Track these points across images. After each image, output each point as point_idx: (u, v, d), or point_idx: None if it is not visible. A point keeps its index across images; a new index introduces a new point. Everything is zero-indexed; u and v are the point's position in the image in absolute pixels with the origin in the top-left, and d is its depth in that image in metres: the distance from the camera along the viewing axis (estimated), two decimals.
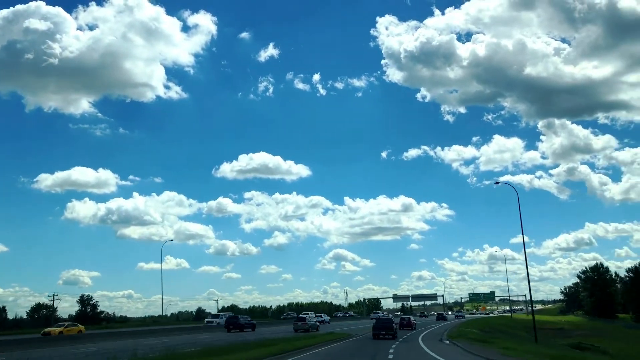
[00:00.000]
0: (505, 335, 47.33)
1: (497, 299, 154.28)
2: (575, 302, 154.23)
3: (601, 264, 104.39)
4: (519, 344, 33.40)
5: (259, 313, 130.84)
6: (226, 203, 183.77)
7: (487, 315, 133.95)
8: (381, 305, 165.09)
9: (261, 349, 24.49)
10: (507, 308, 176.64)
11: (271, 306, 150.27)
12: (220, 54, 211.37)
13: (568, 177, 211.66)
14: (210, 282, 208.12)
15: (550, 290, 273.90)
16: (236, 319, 53.38)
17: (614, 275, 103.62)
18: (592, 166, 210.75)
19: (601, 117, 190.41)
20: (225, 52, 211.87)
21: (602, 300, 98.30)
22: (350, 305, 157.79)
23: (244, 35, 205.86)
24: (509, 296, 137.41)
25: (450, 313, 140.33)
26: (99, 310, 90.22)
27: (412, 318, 63.27)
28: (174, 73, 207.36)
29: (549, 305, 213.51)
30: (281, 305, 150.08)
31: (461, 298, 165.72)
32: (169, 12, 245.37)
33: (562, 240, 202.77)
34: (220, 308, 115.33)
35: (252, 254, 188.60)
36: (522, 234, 48.08)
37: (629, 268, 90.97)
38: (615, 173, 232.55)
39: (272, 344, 27.84)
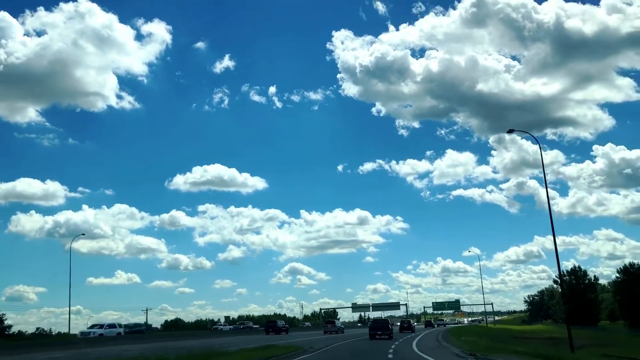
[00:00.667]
0: (527, 346, 36.07)
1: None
2: (541, 311, 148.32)
3: (579, 267, 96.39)
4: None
5: (204, 326, 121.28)
6: (179, 216, 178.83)
7: (460, 325, 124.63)
8: (338, 317, 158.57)
9: None
10: (468, 319, 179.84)
11: (219, 319, 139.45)
12: (175, 64, 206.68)
13: (518, 192, 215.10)
14: (162, 297, 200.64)
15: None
16: (274, 323, 65.17)
17: (592, 279, 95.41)
18: (541, 181, 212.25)
19: (549, 133, 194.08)
20: (180, 62, 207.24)
21: (582, 306, 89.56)
22: (306, 317, 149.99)
23: (200, 45, 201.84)
24: (485, 303, 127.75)
25: (416, 323, 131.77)
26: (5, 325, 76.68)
27: (412, 321, 72.11)
28: (127, 82, 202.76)
29: (506, 316, 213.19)
30: (232, 318, 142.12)
31: (424, 307, 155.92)
32: (122, 20, 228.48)
33: (512, 252, 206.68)
34: (146, 321, 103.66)
35: (206, 268, 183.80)
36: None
37: (619, 268, 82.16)
38: (562, 188, 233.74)
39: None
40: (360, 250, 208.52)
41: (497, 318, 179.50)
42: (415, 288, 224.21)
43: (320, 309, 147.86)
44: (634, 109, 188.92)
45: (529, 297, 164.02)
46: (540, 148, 34.82)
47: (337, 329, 60.39)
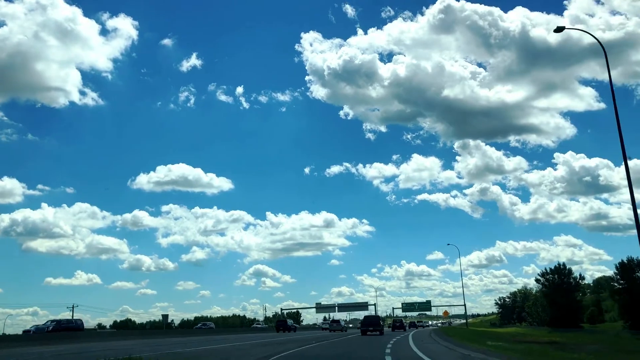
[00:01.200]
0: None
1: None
2: (513, 314, 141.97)
3: (564, 265, 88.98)
4: None
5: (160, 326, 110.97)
6: (142, 216, 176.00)
7: (443, 326, 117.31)
8: (301, 318, 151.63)
9: None
10: (436, 322, 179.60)
11: (172, 319, 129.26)
12: (141, 61, 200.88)
13: (481, 197, 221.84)
14: (123, 299, 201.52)
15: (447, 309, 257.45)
16: (284, 322, 68.83)
17: (578, 277, 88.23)
18: (504, 187, 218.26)
19: (513, 140, 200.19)
20: (146, 59, 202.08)
21: (567, 307, 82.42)
22: (267, 318, 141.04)
23: (166, 42, 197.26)
24: (465, 304, 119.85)
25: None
26: None
27: (403, 321, 80.00)
28: (90, 78, 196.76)
29: (471, 319, 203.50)
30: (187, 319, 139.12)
31: (393, 308, 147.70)
32: (87, 14, 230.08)
33: (474, 257, 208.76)
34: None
35: (169, 270, 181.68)
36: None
37: (619, 263, 74.40)
38: (524, 194, 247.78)
39: None
40: (325, 253, 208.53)
41: (463, 321, 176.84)
42: (380, 291, 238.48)
43: (282, 309, 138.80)
44: (594, 118, 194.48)
45: (500, 299, 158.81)
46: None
47: (341, 328, 65.69)
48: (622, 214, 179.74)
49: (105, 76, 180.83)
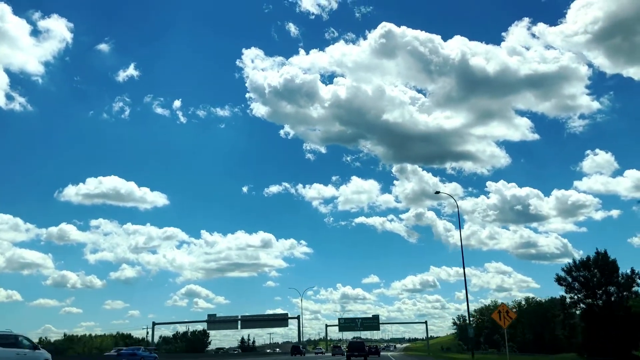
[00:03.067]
0: None
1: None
2: (481, 336, 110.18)
3: (604, 253, 54.94)
4: None
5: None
6: (69, 230, 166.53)
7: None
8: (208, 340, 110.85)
9: None
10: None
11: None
12: (74, 66, 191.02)
13: (417, 222, 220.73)
14: (46, 317, 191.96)
15: (396, 330, 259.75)
16: (298, 347, 74.88)
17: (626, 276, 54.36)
18: (439, 213, 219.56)
19: (449, 167, 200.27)
20: (79, 64, 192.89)
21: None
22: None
23: (102, 47, 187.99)
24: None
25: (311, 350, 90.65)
26: None
27: (379, 346, 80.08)
28: (19, 81, 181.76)
29: (409, 344, 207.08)
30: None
31: (327, 325, 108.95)
32: (17, 12, 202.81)
33: (409, 281, 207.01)
34: None
35: (96, 287, 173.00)
36: None
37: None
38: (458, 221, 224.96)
39: None
40: (261, 274, 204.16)
41: (406, 345, 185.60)
42: (314, 314, 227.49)
43: (188, 328, 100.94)
44: (528, 148, 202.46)
45: (459, 318, 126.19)
46: None
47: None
48: (550, 243, 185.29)
49: (36, 80, 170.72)
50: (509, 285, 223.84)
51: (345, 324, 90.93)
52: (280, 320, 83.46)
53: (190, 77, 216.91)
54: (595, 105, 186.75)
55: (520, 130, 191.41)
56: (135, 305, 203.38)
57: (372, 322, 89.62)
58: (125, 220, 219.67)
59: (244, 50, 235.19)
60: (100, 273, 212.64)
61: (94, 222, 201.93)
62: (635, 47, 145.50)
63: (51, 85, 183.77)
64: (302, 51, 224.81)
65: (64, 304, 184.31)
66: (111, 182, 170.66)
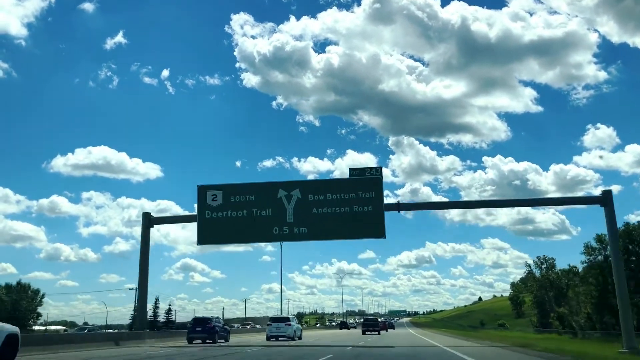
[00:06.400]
0: None
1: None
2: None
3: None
4: None
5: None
6: (61, 202, 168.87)
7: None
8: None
9: None
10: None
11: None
12: (58, 28, 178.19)
13: (412, 198, 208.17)
14: (41, 290, 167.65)
15: (391, 305, 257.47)
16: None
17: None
18: (435, 188, 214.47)
19: (449, 139, 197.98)
20: (63, 26, 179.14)
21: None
22: None
23: (86, 6, 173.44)
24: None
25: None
26: None
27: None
28: (1, 45, 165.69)
29: (416, 318, 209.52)
30: None
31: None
32: None
33: (404, 257, 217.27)
34: None
35: (91, 261, 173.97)
36: None
37: None
38: (455, 196, 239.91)
39: None
40: (257, 249, 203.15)
41: (409, 319, 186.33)
42: (310, 289, 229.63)
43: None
44: (530, 120, 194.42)
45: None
46: None
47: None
48: (548, 219, 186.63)
49: (19, 43, 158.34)
50: (504, 262, 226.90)
51: None
52: None
53: (176, 43, 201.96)
54: (602, 75, 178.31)
55: (524, 101, 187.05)
56: (131, 279, 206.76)
57: None
58: (117, 192, 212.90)
59: (232, 16, 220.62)
60: (94, 246, 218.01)
61: (85, 195, 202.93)
62: None
63: (35, 49, 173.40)
64: (292, 18, 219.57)
65: (60, 277, 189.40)
66: (101, 153, 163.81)
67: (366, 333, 45.86)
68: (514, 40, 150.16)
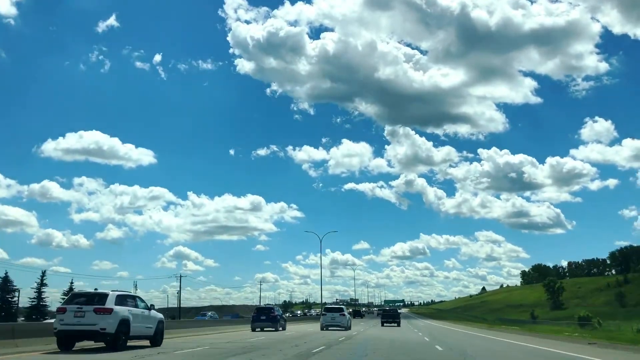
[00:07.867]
0: None
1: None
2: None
3: None
4: None
5: None
6: (52, 187, 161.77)
7: None
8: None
9: None
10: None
11: None
12: (48, 7, 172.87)
13: (407, 189, 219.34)
14: (34, 276, 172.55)
15: (385, 296, 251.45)
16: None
17: None
18: (430, 180, 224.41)
19: (443, 132, 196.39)
20: (54, 7, 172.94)
21: None
22: None
23: None
24: None
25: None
26: None
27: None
28: None
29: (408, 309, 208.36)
30: None
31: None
32: None
33: (398, 248, 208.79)
34: None
35: (83, 247, 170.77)
36: None
37: None
38: (450, 188, 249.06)
39: None
40: (250, 238, 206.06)
41: (407, 310, 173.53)
42: (304, 279, 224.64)
43: None
44: (529, 111, 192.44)
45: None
46: None
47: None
48: (542, 212, 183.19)
49: (8, 23, 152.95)
50: (498, 255, 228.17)
51: None
52: None
53: (169, 27, 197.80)
54: (603, 66, 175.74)
55: (523, 91, 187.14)
56: (123, 266, 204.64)
57: None
58: (109, 177, 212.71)
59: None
60: (86, 233, 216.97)
61: (77, 180, 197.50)
62: None
63: (25, 28, 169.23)
64: (287, 2, 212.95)
65: (52, 263, 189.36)
66: (93, 137, 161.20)
67: (385, 325, 44.84)
68: (515, 29, 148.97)
